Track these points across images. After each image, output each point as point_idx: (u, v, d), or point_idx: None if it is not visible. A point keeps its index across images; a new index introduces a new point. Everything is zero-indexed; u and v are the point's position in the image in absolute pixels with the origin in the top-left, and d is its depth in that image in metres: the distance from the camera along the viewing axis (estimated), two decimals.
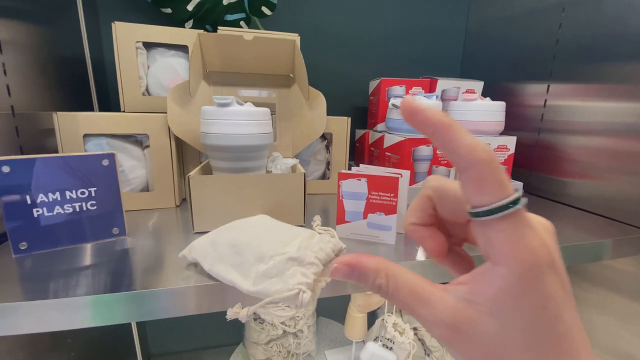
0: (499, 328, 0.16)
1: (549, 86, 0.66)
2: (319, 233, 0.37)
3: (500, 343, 0.16)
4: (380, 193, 0.40)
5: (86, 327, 0.31)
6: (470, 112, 0.62)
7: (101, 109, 0.69)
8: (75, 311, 0.31)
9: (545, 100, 0.66)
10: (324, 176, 0.69)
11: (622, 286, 0.54)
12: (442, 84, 0.71)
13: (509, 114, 0.65)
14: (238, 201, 0.44)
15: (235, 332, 0.92)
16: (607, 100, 0.55)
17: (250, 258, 0.32)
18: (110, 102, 0.73)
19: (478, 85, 0.73)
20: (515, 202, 0.15)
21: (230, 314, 0.30)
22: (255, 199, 0.45)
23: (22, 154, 0.47)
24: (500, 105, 0.63)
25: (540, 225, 0.17)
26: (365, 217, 0.41)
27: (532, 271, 0.15)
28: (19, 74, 0.46)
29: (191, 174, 0.43)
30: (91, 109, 0.67)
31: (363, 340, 0.80)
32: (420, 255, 0.40)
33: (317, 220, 0.42)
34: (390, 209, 0.40)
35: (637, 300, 0.52)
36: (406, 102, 0.17)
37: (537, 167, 0.68)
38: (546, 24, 0.66)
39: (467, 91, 0.72)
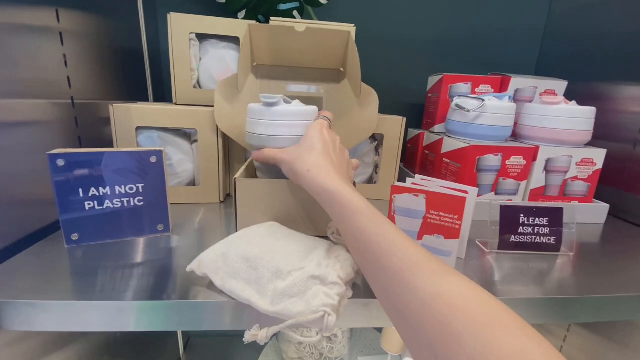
0: (298, 151, 0.38)
1: None
2: (335, 243, 0.35)
3: (297, 155, 0.37)
4: (440, 213, 0.35)
5: (124, 330, 0.31)
6: (552, 118, 0.53)
7: (156, 100, 0.70)
8: (117, 314, 0.30)
9: None
10: (370, 180, 0.64)
11: None
12: (516, 82, 0.62)
13: (597, 120, 0.54)
14: (282, 206, 0.42)
15: None
16: None
17: (266, 274, 0.29)
18: (164, 93, 0.74)
19: (560, 85, 0.63)
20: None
21: (248, 337, 0.27)
22: (299, 205, 0.42)
23: (81, 144, 0.48)
24: (590, 111, 0.53)
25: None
26: (420, 238, 0.37)
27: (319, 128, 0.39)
28: (79, 65, 0.48)
29: (237, 175, 0.41)
30: (146, 99, 0.68)
31: (400, 355, 0.76)
32: None
33: (332, 227, 0.38)
34: (452, 233, 0.35)
35: None
36: None
37: (628, 186, 0.57)
38: None
39: (546, 92, 0.62)
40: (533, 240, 0.41)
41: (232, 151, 0.59)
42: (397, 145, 0.60)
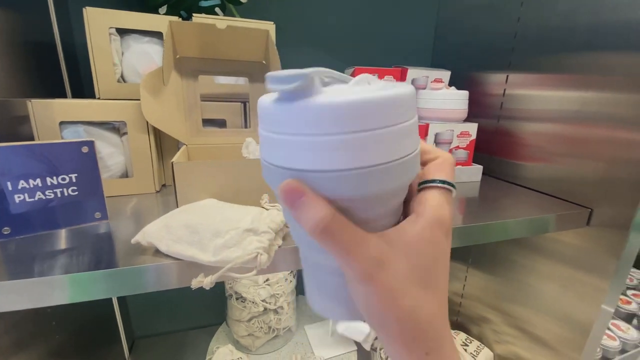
0: (406, 265, 0.20)
1: (507, 76, 0.71)
2: (267, 209, 0.40)
3: (403, 277, 0.20)
4: None
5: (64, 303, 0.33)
6: (437, 100, 0.67)
7: (74, 96, 0.68)
8: (55, 289, 0.33)
9: (505, 90, 0.71)
10: None
11: (564, 256, 0.61)
12: (412, 73, 0.75)
13: (472, 101, 0.70)
14: (218, 185, 0.47)
15: (218, 312, 0.96)
16: (558, 90, 0.61)
17: (207, 235, 0.34)
18: (83, 88, 0.72)
19: (445, 75, 0.78)
20: (452, 184, 0.22)
21: (195, 283, 0.32)
22: (234, 182, 0.48)
23: None
24: (464, 94, 0.67)
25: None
26: None
27: (440, 227, 0.21)
28: None
29: (174, 159, 0.45)
30: (64, 96, 0.66)
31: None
32: None
33: (264, 197, 0.45)
34: None
35: (576, 268, 0.59)
36: None
37: (496, 151, 0.74)
38: (506, 17, 0.70)
39: (435, 80, 0.76)
40: None
41: (163, 140, 0.62)
42: None
